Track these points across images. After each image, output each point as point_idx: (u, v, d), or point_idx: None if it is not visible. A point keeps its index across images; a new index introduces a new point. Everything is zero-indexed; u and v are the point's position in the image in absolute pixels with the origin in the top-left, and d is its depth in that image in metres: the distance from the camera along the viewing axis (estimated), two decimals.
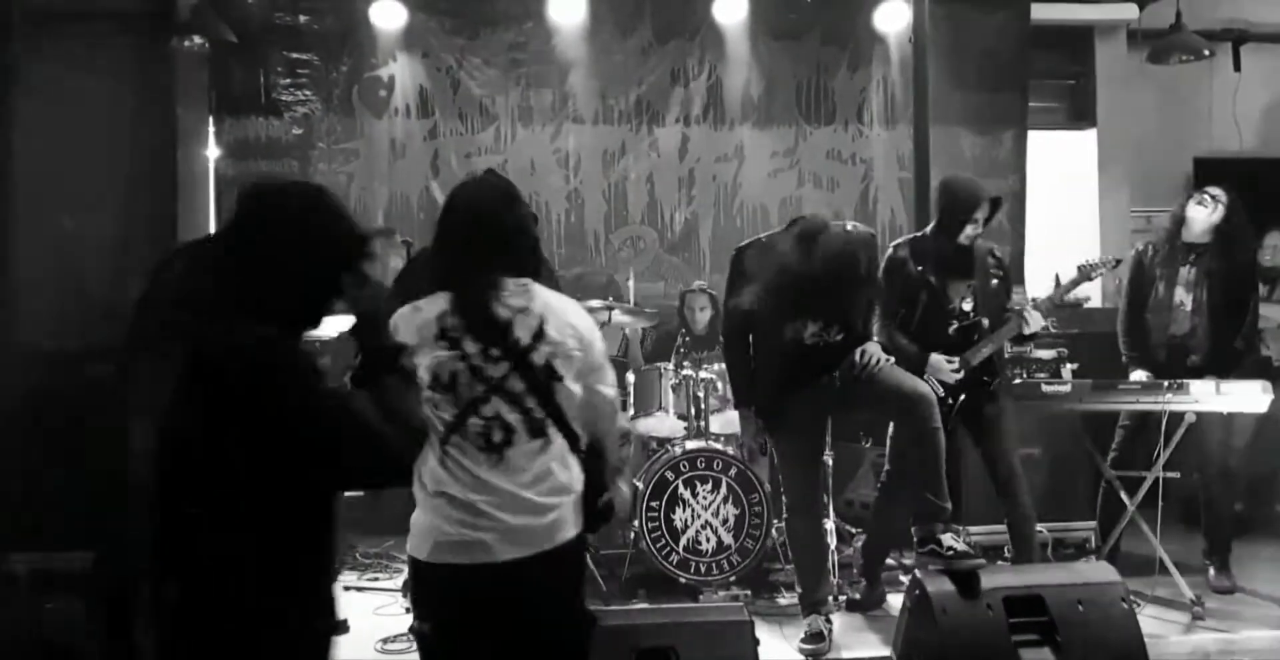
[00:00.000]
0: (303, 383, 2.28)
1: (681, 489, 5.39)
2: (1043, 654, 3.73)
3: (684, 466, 5.41)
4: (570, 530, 2.86)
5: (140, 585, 2.35)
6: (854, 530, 5.80)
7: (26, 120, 6.52)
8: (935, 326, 4.96)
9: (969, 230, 4.89)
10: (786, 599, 5.29)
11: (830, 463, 5.25)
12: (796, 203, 7.39)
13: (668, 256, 7.33)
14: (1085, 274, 5.17)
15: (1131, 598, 3.97)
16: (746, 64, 7.37)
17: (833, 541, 5.19)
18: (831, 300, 4.66)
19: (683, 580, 5.37)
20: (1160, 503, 5.08)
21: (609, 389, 3.02)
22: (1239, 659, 4.71)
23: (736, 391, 4.93)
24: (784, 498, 4.87)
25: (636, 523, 5.35)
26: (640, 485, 5.40)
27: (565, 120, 7.30)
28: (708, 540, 5.37)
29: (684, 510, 5.39)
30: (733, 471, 5.41)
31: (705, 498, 5.39)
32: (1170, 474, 5.18)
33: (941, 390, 4.84)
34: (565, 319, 2.91)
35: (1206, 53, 7.23)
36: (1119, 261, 5.27)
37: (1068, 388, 5.30)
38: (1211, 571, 5.55)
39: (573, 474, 2.89)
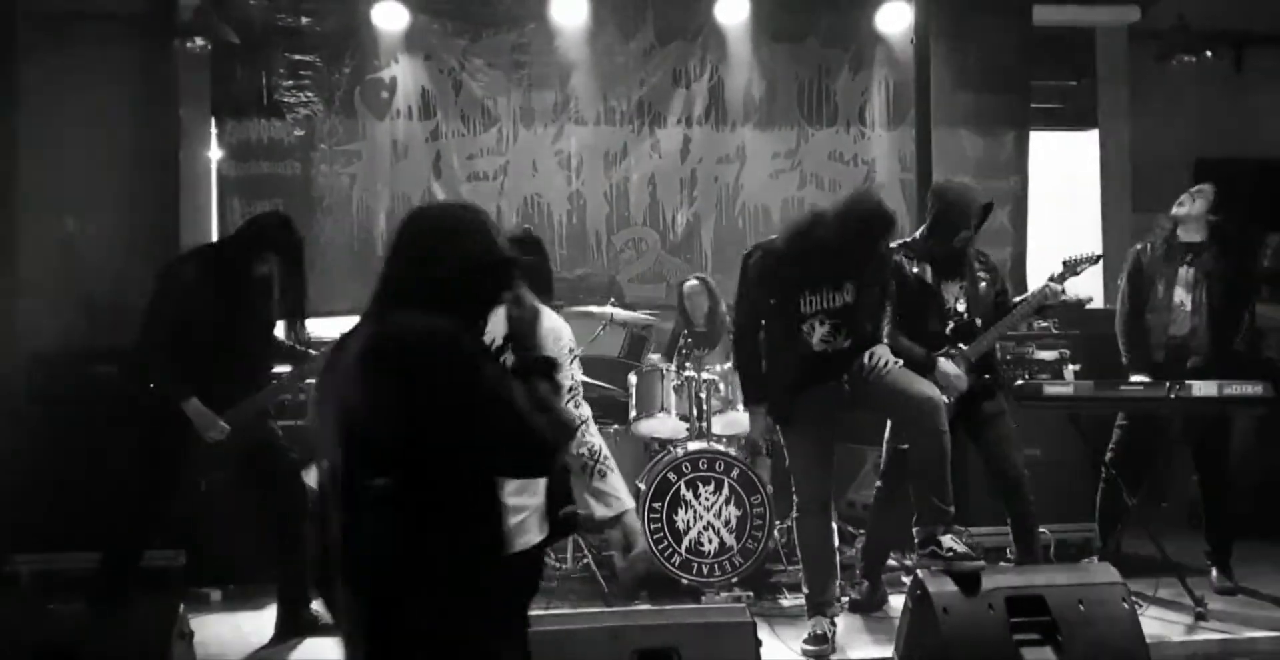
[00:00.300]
0: (487, 373, 2.40)
1: (683, 490, 5.39)
2: (1044, 654, 3.73)
3: (686, 468, 5.41)
4: (530, 539, 2.89)
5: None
6: (855, 531, 5.80)
7: (29, 122, 6.54)
8: (931, 326, 4.97)
9: (962, 234, 4.91)
10: (789, 600, 5.30)
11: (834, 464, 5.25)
12: (798, 204, 7.39)
13: (669, 257, 7.33)
14: (1071, 268, 5.17)
15: (1133, 599, 3.97)
16: (748, 65, 7.37)
17: (836, 542, 5.18)
18: (843, 306, 4.66)
19: (685, 581, 5.37)
20: (1162, 504, 5.08)
21: (572, 399, 3.09)
22: None
23: (747, 389, 4.93)
24: (794, 497, 4.87)
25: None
26: (642, 486, 5.41)
27: (567, 121, 7.30)
28: (710, 541, 5.38)
29: (686, 511, 5.39)
30: (735, 473, 5.42)
31: (707, 499, 5.40)
32: (1172, 475, 5.18)
33: (955, 392, 4.85)
34: (544, 327, 2.90)
35: (1208, 54, 7.23)
36: (1100, 257, 5.27)
37: (1070, 389, 5.30)
38: (1213, 572, 5.55)
39: (537, 485, 2.90)
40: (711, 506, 5.40)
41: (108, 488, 4.99)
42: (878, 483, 5.22)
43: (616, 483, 3.28)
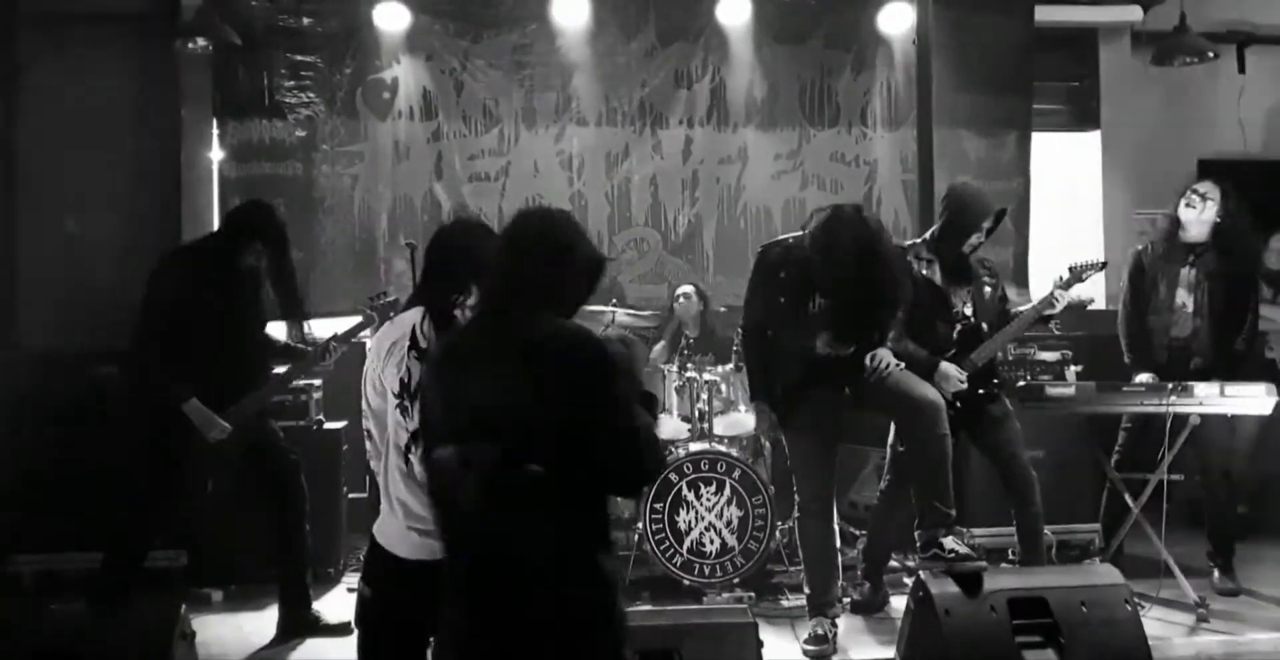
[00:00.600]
0: (628, 389, 2.58)
1: (685, 491, 5.39)
2: (1046, 656, 3.73)
3: (687, 468, 5.41)
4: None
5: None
6: (857, 532, 5.80)
7: (31, 122, 6.55)
8: (938, 329, 4.97)
9: (973, 239, 4.92)
10: (790, 601, 5.29)
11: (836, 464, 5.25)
12: (800, 204, 7.39)
13: (671, 258, 7.32)
14: (1077, 275, 5.17)
15: (1135, 600, 3.96)
16: (750, 66, 7.36)
17: (837, 543, 5.18)
18: (850, 312, 4.65)
19: (686, 582, 5.37)
20: (1165, 505, 5.07)
21: None
22: None
23: (754, 386, 4.93)
24: (796, 497, 4.87)
25: (640, 525, 5.35)
26: (644, 487, 5.41)
27: (569, 122, 7.30)
28: (711, 542, 5.37)
29: (687, 512, 5.38)
30: (736, 473, 5.41)
31: (709, 500, 5.39)
32: (1174, 476, 5.18)
33: (948, 395, 4.85)
34: None
35: (1211, 55, 7.22)
36: (1105, 264, 5.27)
37: (1072, 390, 5.29)
38: (1216, 574, 5.54)
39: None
40: (713, 507, 5.40)
41: (110, 488, 4.99)
42: (881, 485, 5.22)
43: None
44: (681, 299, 6.58)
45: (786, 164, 7.46)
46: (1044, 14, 7.48)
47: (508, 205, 7.19)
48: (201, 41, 6.71)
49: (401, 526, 3.10)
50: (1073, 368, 6.11)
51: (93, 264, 6.68)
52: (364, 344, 3.67)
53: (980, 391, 4.96)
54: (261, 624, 5.15)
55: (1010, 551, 5.67)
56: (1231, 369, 5.36)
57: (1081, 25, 7.81)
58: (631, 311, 6.46)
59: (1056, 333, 5.97)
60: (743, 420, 5.78)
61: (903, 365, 4.69)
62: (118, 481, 4.94)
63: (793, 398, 4.73)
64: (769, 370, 4.77)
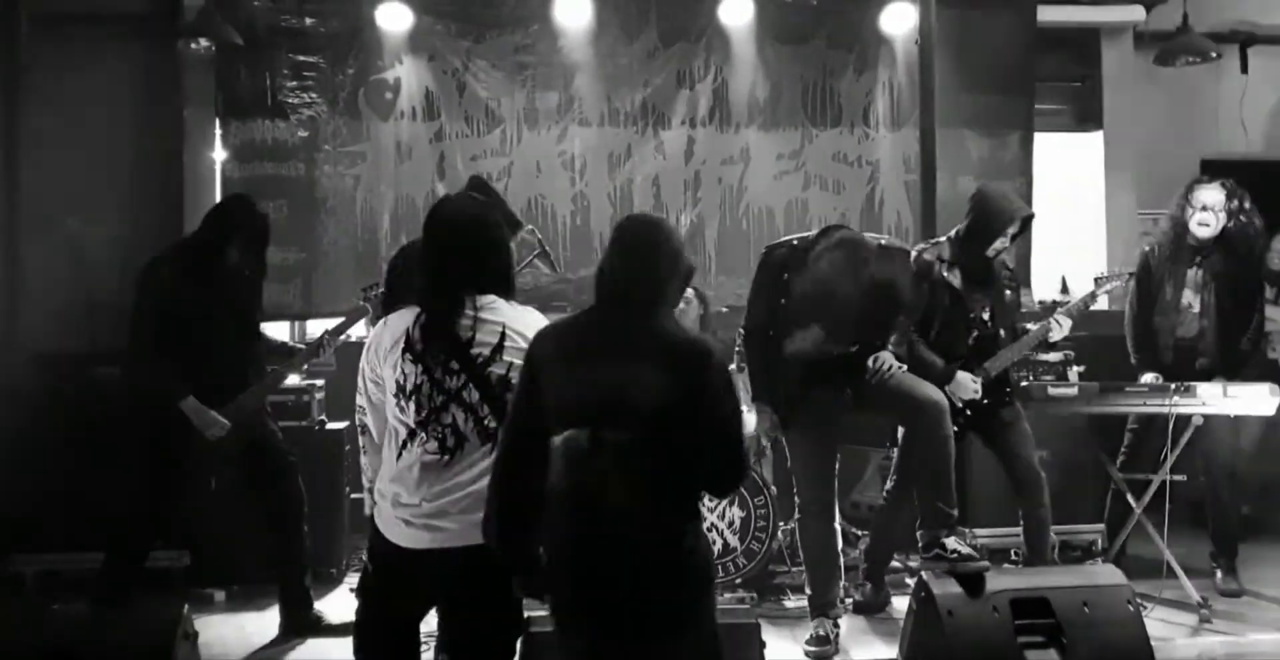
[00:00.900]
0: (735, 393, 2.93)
1: None
2: (1049, 656, 3.72)
3: None
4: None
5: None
6: (859, 533, 5.79)
7: (33, 123, 6.54)
8: (956, 335, 4.97)
9: (997, 244, 4.89)
10: (793, 601, 5.29)
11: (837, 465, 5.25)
12: (802, 205, 7.38)
13: None
14: (1100, 286, 5.18)
15: (1138, 600, 3.96)
16: (752, 66, 7.35)
17: (839, 544, 5.18)
18: (854, 321, 4.65)
19: None
20: (1168, 505, 5.07)
21: None
22: None
23: (755, 386, 4.92)
24: (796, 498, 4.87)
25: None
26: None
27: (571, 123, 7.29)
28: (714, 543, 5.37)
29: None
30: None
31: (711, 500, 5.38)
32: (1177, 477, 5.18)
33: (960, 402, 4.85)
34: (525, 335, 3.11)
35: (1213, 55, 7.21)
36: (1133, 274, 5.27)
37: (1075, 390, 5.29)
38: (1218, 574, 5.55)
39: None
40: (715, 508, 5.39)
41: (112, 489, 5.00)
42: (888, 484, 5.21)
43: None
44: (682, 305, 6.50)
45: (789, 164, 7.44)
46: (1046, 14, 7.46)
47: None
48: (204, 42, 6.71)
49: (391, 514, 3.16)
50: (1075, 368, 6.11)
51: (95, 264, 6.68)
52: (364, 341, 3.67)
53: (987, 401, 4.96)
54: (263, 624, 5.16)
55: (1013, 552, 5.68)
56: (1237, 369, 5.36)
57: (1084, 25, 7.80)
58: None
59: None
60: (745, 421, 5.77)
61: (904, 367, 4.69)
62: (119, 482, 4.95)
63: (794, 399, 4.72)
64: (771, 371, 4.77)
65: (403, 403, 3.13)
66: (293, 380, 6.00)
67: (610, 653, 2.88)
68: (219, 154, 7.06)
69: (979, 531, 5.74)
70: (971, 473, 5.61)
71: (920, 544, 4.53)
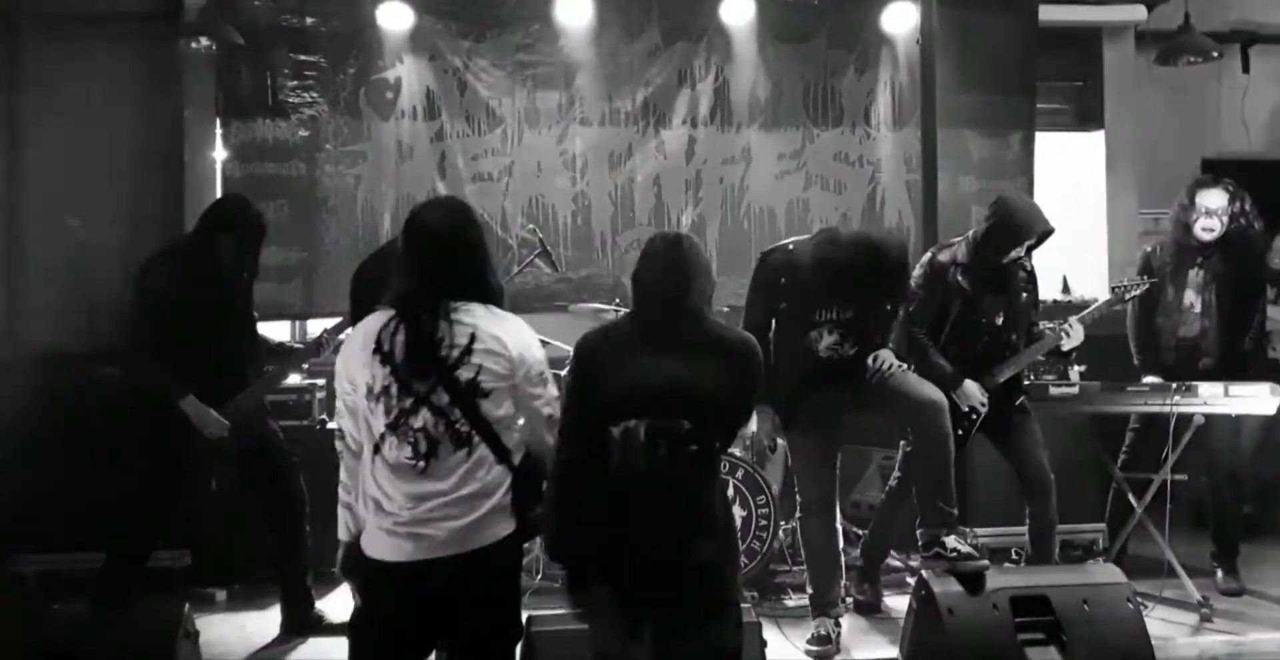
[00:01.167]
0: None
1: None
2: (1049, 654, 3.74)
3: None
4: (489, 536, 3.06)
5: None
6: (860, 532, 5.79)
7: (33, 122, 6.53)
8: (966, 339, 4.97)
9: (1014, 254, 4.88)
10: (794, 600, 5.29)
11: (838, 465, 5.24)
12: (803, 205, 7.37)
13: None
14: (1120, 296, 5.19)
15: (1138, 599, 3.96)
16: (753, 66, 7.34)
17: (840, 544, 5.17)
18: (852, 316, 4.65)
19: None
20: (1169, 505, 5.07)
21: (545, 406, 3.21)
22: None
23: None
24: (798, 498, 4.87)
25: None
26: None
27: (572, 122, 7.28)
28: None
29: None
30: (740, 473, 5.41)
31: None
32: (1178, 476, 5.18)
33: (965, 407, 4.85)
34: (496, 338, 3.09)
35: (1215, 54, 7.21)
36: (1154, 281, 5.27)
37: (1076, 390, 5.30)
38: (1219, 573, 5.55)
39: (497, 484, 3.08)
40: None
41: (113, 488, 5.00)
42: (891, 482, 5.21)
43: None
44: None
45: (790, 164, 7.44)
46: (1048, 13, 7.45)
47: (511, 205, 7.19)
48: (205, 41, 6.70)
49: (374, 524, 3.10)
50: (1077, 367, 6.10)
51: (96, 263, 6.66)
52: None
53: (998, 404, 4.96)
54: (265, 623, 5.17)
55: (1013, 551, 5.68)
56: (1239, 369, 5.36)
57: (1085, 25, 7.79)
58: None
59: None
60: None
61: (905, 366, 4.70)
62: (120, 481, 4.95)
63: (795, 399, 4.73)
64: (771, 373, 4.76)
65: (372, 405, 3.08)
66: (293, 380, 6.02)
67: (673, 630, 3.13)
68: (220, 153, 7.06)
69: (979, 531, 5.73)
70: (973, 472, 5.61)
71: (920, 543, 4.53)
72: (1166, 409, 5.06)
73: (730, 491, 5.37)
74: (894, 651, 4.28)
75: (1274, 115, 8.09)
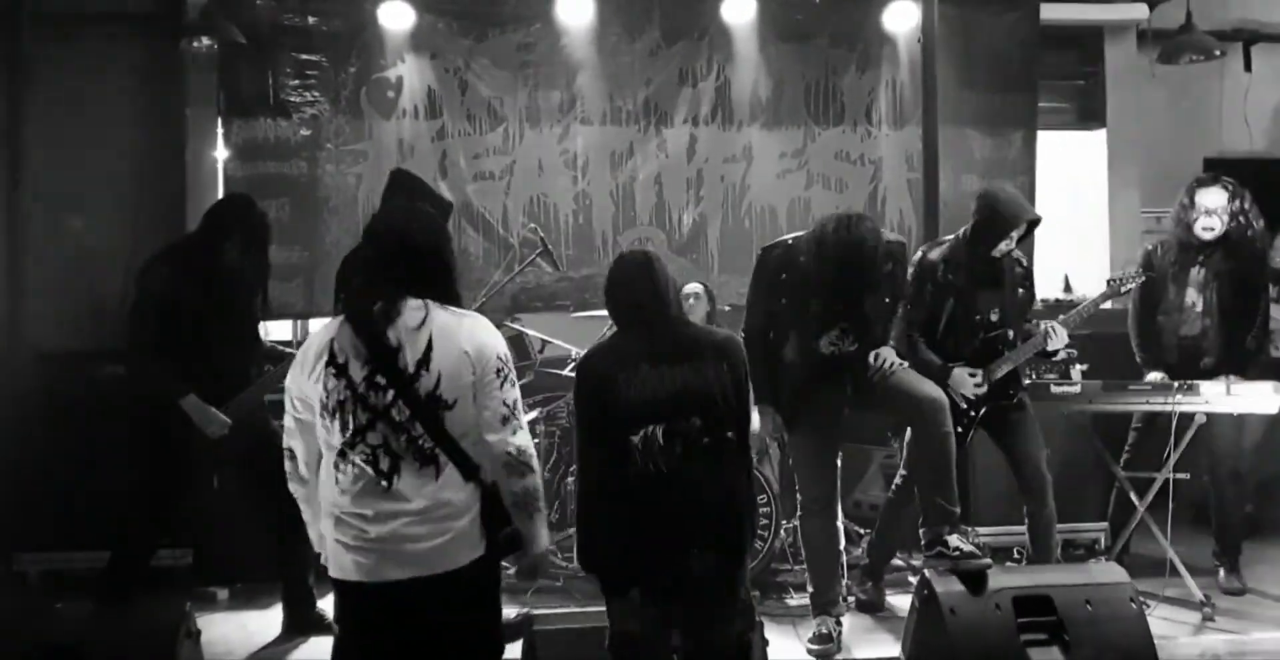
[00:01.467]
0: None
1: None
2: (1051, 654, 3.72)
3: None
4: (462, 557, 2.93)
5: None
6: (862, 531, 5.79)
7: (36, 122, 6.53)
8: (961, 336, 4.96)
9: (1002, 246, 4.87)
10: (795, 600, 5.29)
11: (839, 464, 5.24)
12: (805, 203, 7.37)
13: (676, 257, 7.28)
14: (1115, 289, 5.17)
15: (1141, 598, 3.96)
16: (755, 65, 7.34)
17: (841, 543, 5.17)
18: (853, 311, 4.65)
19: None
20: (1171, 504, 5.06)
21: (501, 407, 3.02)
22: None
23: (757, 388, 4.91)
24: (799, 496, 4.87)
25: None
26: None
27: (573, 121, 7.28)
28: None
29: None
30: None
31: None
32: (1180, 475, 5.17)
33: (964, 403, 4.84)
34: (457, 343, 2.93)
35: (1217, 53, 7.20)
36: (1150, 275, 5.26)
37: (1077, 388, 5.29)
38: (1221, 573, 5.54)
39: (467, 501, 2.94)
40: None
41: (116, 488, 5.00)
42: (896, 480, 5.20)
43: (540, 525, 3.14)
44: (692, 300, 6.47)
45: (791, 163, 7.44)
46: (1049, 12, 7.46)
47: (512, 204, 7.19)
48: (206, 40, 6.70)
49: (333, 543, 2.99)
50: (1078, 366, 6.09)
51: (98, 263, 6.68)
52: None
53: (997, 401, 4.95)
54: (266, 623, 5.17)
55: (1015, 550, 5.67)
56: (1241, 368, 5.35)
57: (1087, 23, 7.79)
58: None
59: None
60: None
61: (906, 363, 4.69)
62: (122, 480, 4.95)
63: (796, 398, 4.73)
64: (772, 372, 4.77)
65: (328, 422, 2.93)
66: None
67: (696, 615, 3.36)
68: (221, 153, 7.06)
69: (982, 530, 5.73)
70: (975, 471, 5.61)
71: (923, 542, 4.52)
72: (1168, 408, 5.06)
73: None
74: (896, 651, 4.28)
75: (1276, 114, 8.08)
